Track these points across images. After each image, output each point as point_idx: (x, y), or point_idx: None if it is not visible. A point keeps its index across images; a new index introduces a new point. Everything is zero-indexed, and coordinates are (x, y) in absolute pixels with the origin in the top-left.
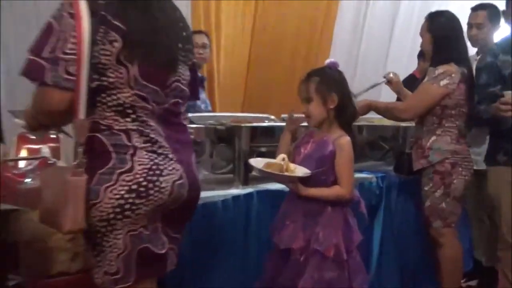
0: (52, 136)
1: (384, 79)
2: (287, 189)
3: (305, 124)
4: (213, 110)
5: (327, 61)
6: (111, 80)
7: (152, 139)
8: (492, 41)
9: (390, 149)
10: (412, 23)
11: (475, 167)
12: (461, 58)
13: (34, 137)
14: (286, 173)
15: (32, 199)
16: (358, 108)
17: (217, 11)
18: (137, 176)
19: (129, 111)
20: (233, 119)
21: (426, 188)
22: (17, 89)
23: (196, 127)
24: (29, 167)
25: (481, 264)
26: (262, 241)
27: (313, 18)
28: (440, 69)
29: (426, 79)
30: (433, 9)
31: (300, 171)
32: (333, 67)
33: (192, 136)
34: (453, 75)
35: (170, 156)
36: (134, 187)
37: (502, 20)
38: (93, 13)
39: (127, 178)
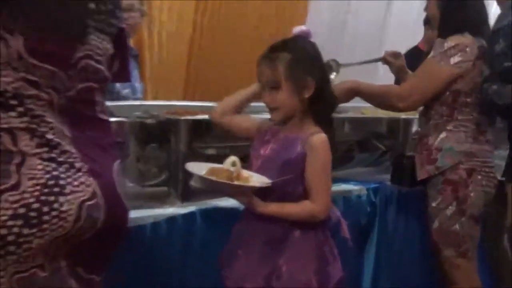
0: None
1: (382, 59)
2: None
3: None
4: (143, 98)
5: (297, 28)
6: None
7: (50, 142)
8: None
9: (386, 151)
10: None
11: (499, 177)
12: (479, 26)
13: None
14: (237, 183)
15: None
16: (339, 92)
17: None
18: (26, 195)
19: (13, 102)
20: (169, 110)
21: (433, 204)
22: None
23: (115, 122)
24: None
25: None
26: (206, 278)
27: None
28: (451, 41)
29: (431, 54)
30: None
31: (258, 180)
32: (305, 37)
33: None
34: (467, 49)
35: (78, 165)
36: (22, 211)
37: None
38: None
39: (12, 199)
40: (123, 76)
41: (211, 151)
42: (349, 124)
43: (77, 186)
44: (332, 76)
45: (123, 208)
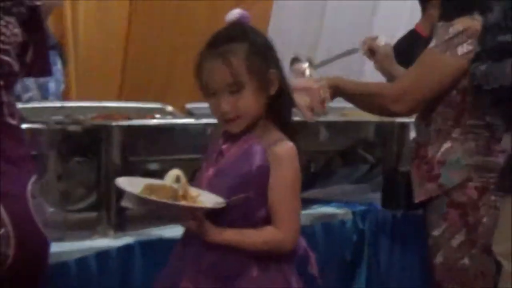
0: None
1: (359, 48)
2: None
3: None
4: (66, 98)
5: (233, 13)
6: None
7: None
8: None
9: (377, 164)
10: None
11: None
12: (490, 3)
13: None
14: (184, 203)
15: None
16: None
17: None
18: None
19: None
20: (99, 113)
21: (436, 233)
22: None
23: (28, 129)
24: None
25: None
26: None
27: None
28: (457, 25)
29: (433, 42)
30: None
31: (209, 199)
32: (245, 21)
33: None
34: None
35: None
36: None
37: None
38: None
39: None
40: (41, 68)
41: (153, 166)
42: (328, 130)
43: None
44: (307, 73)
45: (41, 239)
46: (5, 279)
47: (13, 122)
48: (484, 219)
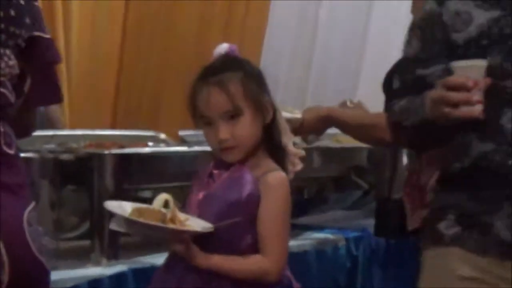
0: None
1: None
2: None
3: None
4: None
5: (222, 47)
6: None
7: None
8: None
9: (370, 190)
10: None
11: None
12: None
13: None
14: (171, 226)
15: None
16: (310, 121)
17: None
18: None
19: None
20: (92, 141)
21: None
22: None
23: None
24: None
25: None
26: None
27: None
28: None
29: None
30: None
31: (197, 224)
32: (233, 54)
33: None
34: None
35: None
36: None
37: None
38: None
39: None
40: (41, 97)
41: (146, 194)
42: (321, 156)
43: None
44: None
45: (38, 266)
46: None
47: (10, 151)
48: None
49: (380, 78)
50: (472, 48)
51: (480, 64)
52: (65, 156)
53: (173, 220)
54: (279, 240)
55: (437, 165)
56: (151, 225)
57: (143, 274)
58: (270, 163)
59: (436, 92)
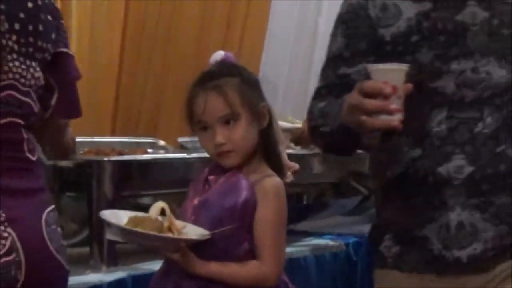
0: None
1: None
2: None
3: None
4: None
5: (218, 54)
6: None
7: None
8: None
9: (370, 195)
10: None
11: None
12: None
13: None
14: (169, 235)
15: None
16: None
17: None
18: None
19: None
20: (91, 148)
21: None
22: None
23: None
24: None
25: None
26: None
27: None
28: None
29: None
30: None
31: (192, 231)
32: (230, 60)
33: None
34: None
35: None
36: None
37: None
38: None
39: None
40: (67, 111)
41: (145, 200)
42: (321, 162)
43: None
44: None
45: (56, 264)
46: None
47: (33, 158)
48: None
49: None
50: (400, 45)
51: (400, 68)
52: (64, 163)
53: (170, 228)
54: (276, 246)
55: (370, 173)
56: (149, 235)
57: (142, 280)
58: (266, 169)
59: (352, 98)
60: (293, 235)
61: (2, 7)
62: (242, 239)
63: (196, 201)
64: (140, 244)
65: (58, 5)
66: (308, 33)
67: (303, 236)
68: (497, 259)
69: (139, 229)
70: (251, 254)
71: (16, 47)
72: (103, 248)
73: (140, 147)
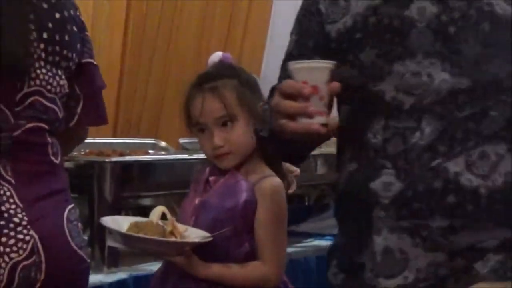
0: None
1: None
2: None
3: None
4: None
5: (215, 55)
6: None
7: None
8: None
9: None
10: None
11: None
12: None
13: None
14: (172, 239)
15: None
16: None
17: None
18: None
19: None
20: (92, 149)
21: None
22: None
23: None
24: None
25: None
26: None
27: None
28: None
29: None
30: None
31: (194, 234)
32: (227, 61)
33: None
34: None
35: (17, 219)
36: None
37: None
38: None
39: None
40: (92, 119)
41: (146, 202)
42: (323, 163)
43: (12, 245)
44: None
45: (79, 261)
46: None
47: (56, 161)
48: None
49: None
50: (345, 42)
51: (321, 65)
52: (65, 164)
53: (172, 232)
54: (277, 246)
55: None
56: (153, 240)
57: (144, 281)
58: (265, 169)
59: (273, 100)
60: (295, 236)
61: (32, 17)
62: (242, 240)
63: (196, 201)
64: (142, 250)
65: None
66: None
67: (304, 237)
68: None
69: (142, 235)
70: (252, 255)
71: (43, 55)
72: (105, 249)
73: (142, 148)
